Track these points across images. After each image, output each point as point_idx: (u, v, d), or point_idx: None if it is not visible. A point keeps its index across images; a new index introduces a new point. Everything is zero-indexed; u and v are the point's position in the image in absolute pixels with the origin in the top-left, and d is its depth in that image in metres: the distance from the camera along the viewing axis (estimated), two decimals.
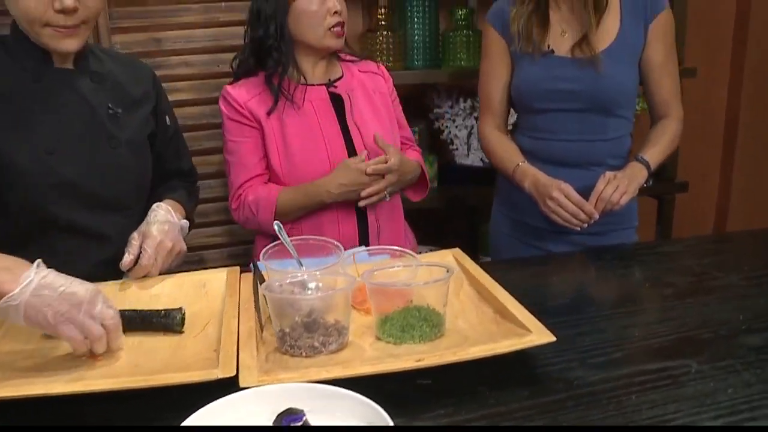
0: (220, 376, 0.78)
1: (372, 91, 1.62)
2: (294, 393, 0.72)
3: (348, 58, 1.64)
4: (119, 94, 1.23)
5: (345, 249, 1.07)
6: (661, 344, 0.92)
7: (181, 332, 0.96)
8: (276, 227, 1.09)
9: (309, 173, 1.50)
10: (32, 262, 0.89)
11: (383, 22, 2.19)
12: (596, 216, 1.44)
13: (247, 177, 1.52)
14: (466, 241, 2.42)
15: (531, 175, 1.53)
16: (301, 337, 0.86)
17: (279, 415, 0.69)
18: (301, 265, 1.04)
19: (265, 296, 0.89)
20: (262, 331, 0.92)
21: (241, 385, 0.75)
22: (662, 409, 0.76)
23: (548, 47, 1.56)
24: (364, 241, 1.55)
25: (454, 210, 2.39)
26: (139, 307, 1.01)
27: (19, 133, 1.11)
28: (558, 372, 0.85)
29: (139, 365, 0.87)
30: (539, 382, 0.84)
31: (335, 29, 1.50)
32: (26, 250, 1.05)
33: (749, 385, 0.81)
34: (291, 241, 1.06)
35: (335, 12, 1.49)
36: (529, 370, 0.86)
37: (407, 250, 1.07)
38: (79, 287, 0.86)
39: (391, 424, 0.64)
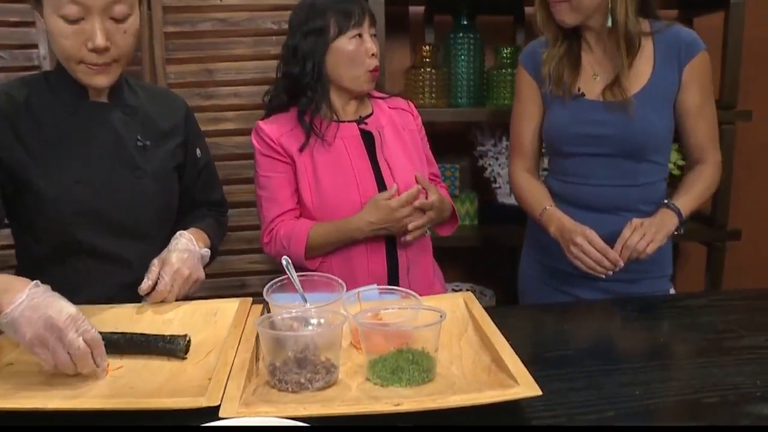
0: (204, 404, 0.81)
1: (401, 127, 1.63)
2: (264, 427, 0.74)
3: (378, 95, 1.66)
4: (149, 127, 1.29)
5: (374, 284, 1.08)
6: (657, 406, 0.89)
7: (183, 358, 1.00)
8: (284, 262, 1.12)
9: (340, 208, 1.51)
10: (58, 281, 0.96)
11: (428, 59, 2.23)
12: (621, 264, 1.41)
13: (279, 212, 1.54)
14: (504, 281, 2.40)
15: (557, 219, 1.52)
16: (290, 372, 0.88)
17: None
18: (305, 301, 1.06)
19: (260, 331, 0.91)
20: (257, 362, 0.95)
21: (221, 415, 0.78)
22: None
23: (579, 90, 1.55)
24: (393, 276, 1.56)
25: (493, 249, 2.37)
26: (150, 331, 1.05)
27: (51, 162, 1.19)
28: (538, 418, 0.84)
29: (135, 387, 0.91)
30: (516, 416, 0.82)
31: (371, 72, 1.52)
32: (52, 270, 1.13)
33: None
34: (297, 276, 1.09)
35: (372, 54, 1.51)
36: (515, 422, 0.85)
37: (412, 293, 1.08)
38: (56, 313, 0.91)
39: None
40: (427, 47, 2.23)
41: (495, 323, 1.03)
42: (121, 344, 1.01)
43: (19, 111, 1.19)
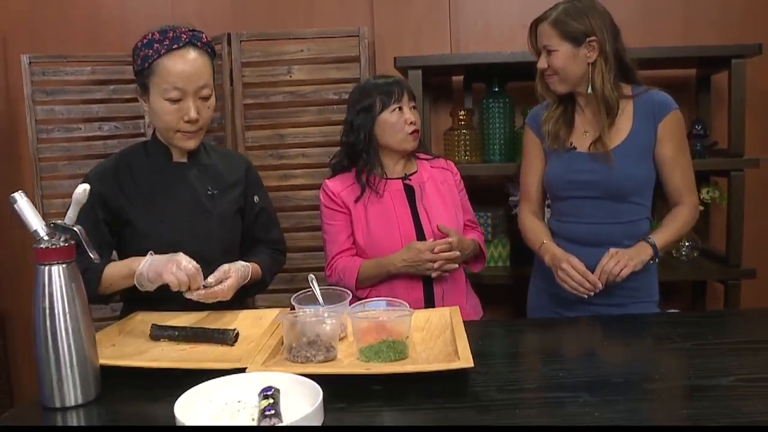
0: (238, 366, 1.17)
1: (440, 182, 1.97)
2: (274, 378, 1.09)
3: (423, 156, 2.01)
4: (217, 180, 1.70)
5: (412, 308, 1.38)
6: (564, 382, 1.17)
7: (232, 345, 1.38)
8: (309, 278, 1.48)
9: (385, 248, 1.85)
10: (148, 294, 1.43)
11: (463, 122, 2.58)
12: (599, 286, 1.68)
13: (338, 251, 1.90)
14: None
15: (551, 250, 1.80)
16: (301, 349, 1.23)
17: (261, 390, 1.06)
18: (323, 305, 1.42)
19: (282, 321, 1.27)
20: (281, 347, 1.31)
21: (247, 371, 1.14)
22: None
23: (571, 144, 1.85)
24: (429, 302, 1.86)
25: (522, 286, 2.63)
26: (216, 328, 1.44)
27: (144, 207, 1.61)
28: (477, 392, 1.14)
29: (198, 358, 1.30)
30: (457, 396, 1.12)
31: (412, 135, 1.88)
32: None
33: None
34: (320, 289, 1.45)
35: (411, 122, 1.87)
36: (457, 389, 1.15)
37: (405, 303, 1.41)
38: (171, 256, 1.44)
39: (321, 394, 0.99)
40: (463, 112, 2.59)
41: (478, 331, 1.35)
42: (190, 335, 1.41)
43: (123, 171, 1.63)
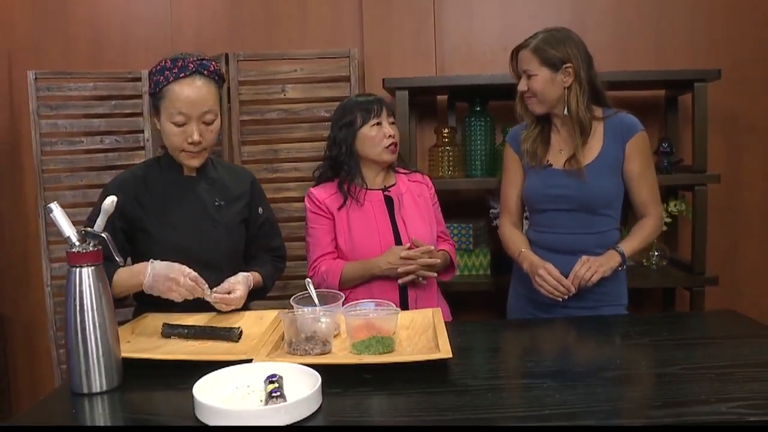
0: (245, 357, 1.32)
1: (417, 195, 2.13)
2: (278, 367, 1.24)
3: (402, 170, 2.18)
4: (224, 192, 1.86)
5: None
6: (531, 371, 1.34)
7: (237, 341, 1.53)
8: (306, 282, 1.64)
9: (366, 253, 2.01)
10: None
11: (446, 139, 2.75)
12: (572, 290, 1.85)
13: (321, 253, 2.05)
14: None
15: (528, 258, 1.97)
16: (300, 344, 1.38)
17: (267, 377, 1.21)
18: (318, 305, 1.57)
19: (282, 318, 1.42)
20: (282, 342, 1.46)
21: (254, 362, 1.29)
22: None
23: (547, 161, 2.02)
24: (404, 305, 2.01)
25: (502, 294, 2.79)
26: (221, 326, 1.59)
27: (157, 216, 1.77)
28: (454, 379, 1.30)
29: (206, 352, 1.45)
30: (438, 382, 1.28)
31: (389, 147, 2.05)
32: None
33: None
34: (315, 291, 1.60)
35: (389, 135, 2.04)
36: (437, 377, 1.30)
37: (392, 304, 1.55)
38: (170, 270, 1.61)
39: (319, 379, 1.15)
40: (447, 129, 2.76)
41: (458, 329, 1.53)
42: (199, 332, 1.56)
43: (138, 183, 1.79)
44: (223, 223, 1.83)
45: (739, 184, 2.94)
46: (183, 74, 1.69)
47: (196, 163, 1.77)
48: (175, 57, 1.71)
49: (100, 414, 1.22)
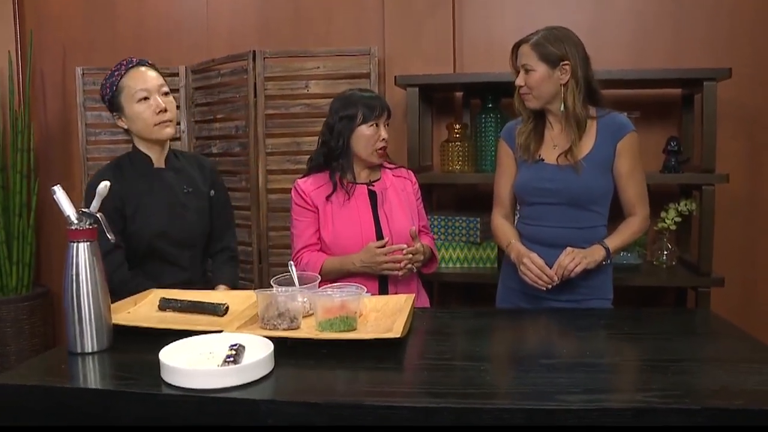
0: (218, 329, 1.48)
1: (400, 190, 2.22)
2: (241, 337, 1.40)
3: (388, 165, 2.26)
4: (190, 180, 2.09)
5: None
6: (474, 354, 1.44)
7: (222, 316, 1.69)
8: (289, 264, 1.78)
9: (348, 245, 2.10)
10: (147, 272, 1.87)
11: (458, 134, 2.85)
12: (555, 279, 1.92)
13: (303, 245, 2.14)
14: None
15: (515, 248, 2.05)
16: (271, 319, 1.53)
17: (231, 345, 1.36)
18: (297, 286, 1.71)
19: (258, 295, 1.58)
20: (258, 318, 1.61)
21: (225, 332, 1.45)
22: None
23: (540, 156, 2.09)
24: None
25: None
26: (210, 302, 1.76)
27: (137, 204, 1.99)
28: (403, 357, 1.42)
29: (192, 323, 1.61)
30: (388, 360, 1.39)
31: (379, 150, 2.14)
32: (143, 268, 1.95)
33: None
34: (297, 273, 1.75)
35: (382, 138, 2.13)
36: (389, 356, 1.42)
37: (364, 288, 1.67)
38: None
39: (272, 347, 1.29)
40: (458, 125, 2.86)
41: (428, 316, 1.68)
42: (189, 306, 1.73)
43: (117, 176, 1.95)
44: (193, 207, 2.07)
45: (757, 183, 2.90)
46: (131, 65, 1.99)
47: (171, 131, 2.02)
48: (119, 62, 2.01)
49: (90, 369, 1.40)
